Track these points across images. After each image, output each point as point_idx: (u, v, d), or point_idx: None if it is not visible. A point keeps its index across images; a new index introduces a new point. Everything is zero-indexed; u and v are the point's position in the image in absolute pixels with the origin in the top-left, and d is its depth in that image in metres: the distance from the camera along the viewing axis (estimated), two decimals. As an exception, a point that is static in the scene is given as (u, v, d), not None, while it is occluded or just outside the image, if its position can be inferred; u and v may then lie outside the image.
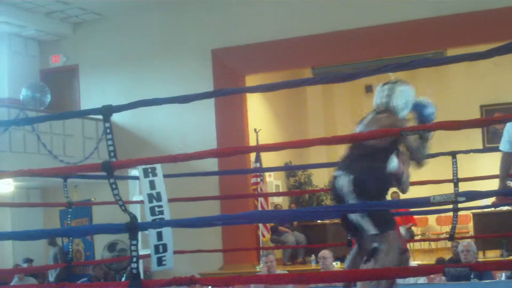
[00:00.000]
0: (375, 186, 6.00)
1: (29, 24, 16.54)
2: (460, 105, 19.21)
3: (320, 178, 18.94)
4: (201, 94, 5.00)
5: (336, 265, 12.10)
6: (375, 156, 6.01)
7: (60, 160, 14.75)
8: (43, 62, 17.74)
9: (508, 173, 7.25)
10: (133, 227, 4.96)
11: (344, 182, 5.98)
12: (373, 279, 7.19)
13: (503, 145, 7.16)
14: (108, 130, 5.11)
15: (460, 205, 7.56)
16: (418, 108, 6.30)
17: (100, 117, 5.18)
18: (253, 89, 5.63)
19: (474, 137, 18.35)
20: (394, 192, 15.42)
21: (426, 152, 6.26)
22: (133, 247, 4.98)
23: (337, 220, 14.20)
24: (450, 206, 8.25)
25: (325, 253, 10.35)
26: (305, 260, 15.89)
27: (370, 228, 5.97)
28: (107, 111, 5.07)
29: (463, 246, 9.60)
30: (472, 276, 8.28)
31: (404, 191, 6.36)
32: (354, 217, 6.04)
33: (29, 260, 14.53)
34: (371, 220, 5.95)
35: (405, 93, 6.37)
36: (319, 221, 16.20)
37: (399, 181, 6.31)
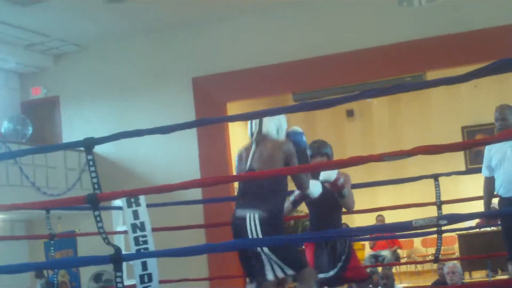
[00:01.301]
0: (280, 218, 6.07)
1: (10, 57, 16.51)
2: (441, 126, 19.32)
3: (303, 204, 18.92)
4: (183, 124, 5.02)
5: None
6: (275, 182, 5.98)
7: (43, 192, 14.70)
8: (24, 95, 17.71)
9: (492, 197, 7.34)
10: (117, 259, 4.96)
11: (252, 221, 5.93)
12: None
13: (484, 171, 7.39)
14: (91, 163, 5.10)
15: (444, 227, 7.62)
16: (289, 135, 6.34)
17: (83, 148, 5.18)
18: (234, 118, 5.67)
19: (457, 159, 18.42)
20: (379, 215, 15.60)
21: (307, 180, 6.22)
22: (118, 279, 4.98)
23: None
24: (435, 229, 8.30)
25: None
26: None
27: (285, 270, 5.94)
28: (89, 144, 5.08)
29: (449, 267, 9.62)
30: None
31: (349, 207, 6.42)
32: (264, 260, 5.95)
33: (14, 294, 14.45)
34: (284, 262, 5.91)
35: (274, 119, 6.26)
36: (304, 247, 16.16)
37: (341, 195, 6.38)
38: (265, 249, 5.83)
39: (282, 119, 6.33)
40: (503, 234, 7.35)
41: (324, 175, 6.30)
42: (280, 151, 6.04)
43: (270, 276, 5.95)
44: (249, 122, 6.26)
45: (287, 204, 6.62)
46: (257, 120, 6.17)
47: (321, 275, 6.69)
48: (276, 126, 6.23)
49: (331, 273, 6.78)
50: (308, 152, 6.45)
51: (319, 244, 6.71)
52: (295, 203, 6.86)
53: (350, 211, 6.61)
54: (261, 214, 5.85)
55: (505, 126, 7.04)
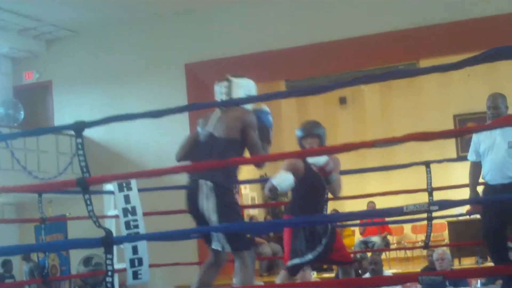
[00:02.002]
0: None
1: (2, 41, 16.48)
2: (433, 114, 19.36)
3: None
4: (173, 109, 5.01)
5: (313, 275, 12.13)
6: (231, 150, 5.98)
7: (34, 176, 14.69)
8: (16, 79, 17.68)
9: (477, 182, 7.37)
10: (108, 242, 4.97)
11: (204, 189, 5.98)
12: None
13: (470, 155, 7.45)
14: (80, 146, 5.10)
15: (434, 214, 7.66)
16: (256, 113, 6.32)
17: (73, 132, 5.18)
18: (225, 103, 5.66)
19: (448, 146, 18.47)
20: (370, 201, 15.64)
21: (266, 153, 6.29)
22: (108, 261, 4.99)
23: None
24: (425, 215, 8.33)
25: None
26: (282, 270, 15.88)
27: (224, 245, 6.02)
28: (79, 127, 5.07)
29: (438, 254, 9.65)
30: (447, 284, 8.34)
31: (335, 193, 6.38)
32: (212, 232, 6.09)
33: (3, 277, 14.45)
34: (226, 238, 5.97)
35: (243, 86, 6.37)
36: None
37: (328, 180, 6.34)
38: (213, 218, 5.90)
39: (252, 87, 6.38)
40: (484, 224, 7.37)
41: (313, 158, 6.30)
42: (240, 120, 6.07)
43: (214, 245, 6.07)
44: (216, 89, 6.30)
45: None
46: (226, 88, 6.18)
47: (296, 260, 6.72)
48: (244, 94, 6.27)
49: (310, 256, 6.80)
50: (271, 133, 6.46)
51: (296, 228, 6.70)
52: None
53: (336, 196, 6.57)
54: (215, 183, 5.90)
55: (497, 114, 7.08)
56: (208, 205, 5.89)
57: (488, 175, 7.19)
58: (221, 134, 6.03)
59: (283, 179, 6.26)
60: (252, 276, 6.09)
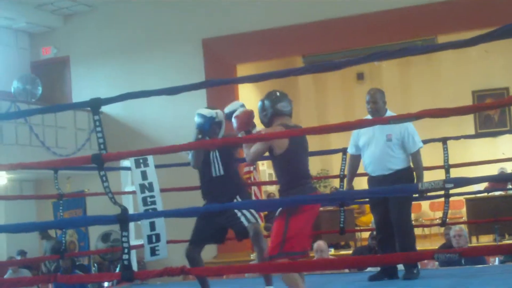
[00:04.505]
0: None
1: (19, 16, 16.50)
2: (452, 90, 19.30)
3: (313, 166, 18.95)
4: (189, 86, 5.00)
5: (330, 252, 12.15)
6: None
7: (52, 152, 14.75)
8: (34, 54, 17.72)
9: (354, 174, 7.63)
10: (123, 219, 4.97)
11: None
12: (368, 265, 7.26)
13: (350, 148, 7.63)
14: (97, 123, 5.09)
15: (452, 191, 7.63)
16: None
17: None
18: (242, 80, 5.67)
19: (466, 123, 18.39)
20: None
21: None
22: (124, 239, 4.98)
23: (330, 208, 14.28)
24: (442, 192, 8.30)
25: (321, 245, 10.16)
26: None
27: (256, 218, 6.60)
28: (95, 104, 5.06)
29: (455, 231, 9.63)
30: (464, 262, 8.32)
31: (246, 156, 6.23)
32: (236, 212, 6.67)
33: (23, 253, 14.52)
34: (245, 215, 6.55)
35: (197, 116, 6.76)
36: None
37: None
38: None
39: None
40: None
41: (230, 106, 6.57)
42: None
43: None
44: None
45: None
46: None
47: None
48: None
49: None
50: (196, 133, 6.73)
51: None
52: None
53: (248, 161, 6.39)
54: None
55: (376, 109, 7.25)
56: None
57: (370, 167, 7.35)
58: None
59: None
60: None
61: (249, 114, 6.10)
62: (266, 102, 6.05)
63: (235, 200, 6.77)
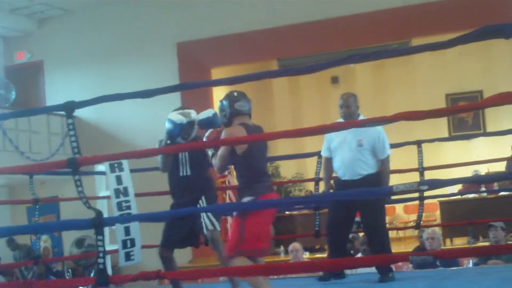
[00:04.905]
0: None
1: (-6, 21, 16.42)
2: (426, 93, 19.40)
3: (288, 170, 19.03)
4: (164, 89, 5.00)
5: (305, 256, 12.17)
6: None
7: (26, 156, 14.66)
8: (8, 59, 17.61)
9: (331, 177, 7.70)
10: (98, 223, 4.95)
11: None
12: (344, 268, 7.26)
13: (323, 151, 7.74)
14: (71, 126, 5.07)
15: (426, 193, 7.67)
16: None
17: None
18: (217, 83, 5.64)
19: (440, 126, 18.48)
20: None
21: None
22: (99, 243, 4.97)
23: (305, 211, 14.30)
24: (416, 195, 8.34)
25: (296, 246, 10.46)
26: (274, 252, 15.93)
27: (215, 225, 6.73)
28: (69, 107, 5.05)
29: (428, 234, 9.68)
30: (438, 264, 8.36)
31: (216, 168, 6.30)
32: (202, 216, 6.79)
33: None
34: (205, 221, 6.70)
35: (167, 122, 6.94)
36: (287, 212, 16.24)
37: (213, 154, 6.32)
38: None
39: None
40: (329, 216, 7.59)
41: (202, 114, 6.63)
42: None
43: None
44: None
45: None
46: None
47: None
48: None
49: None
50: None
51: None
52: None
53: (216, 170, 6.47)
54: None
55: (349, 113, 7.34)
56: None
57: (340, 170, 7.44)
58: None
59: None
60: None
61: (217, 133, 6.32)
62: (225, 102, 6.19)
63: (200, 202, 6.80)
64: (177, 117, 6.77)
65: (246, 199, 5.99)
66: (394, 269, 7.42)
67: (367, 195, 6.24)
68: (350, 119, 7.24)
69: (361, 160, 7.26)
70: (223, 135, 6.05)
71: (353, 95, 7.55)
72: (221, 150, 6.05)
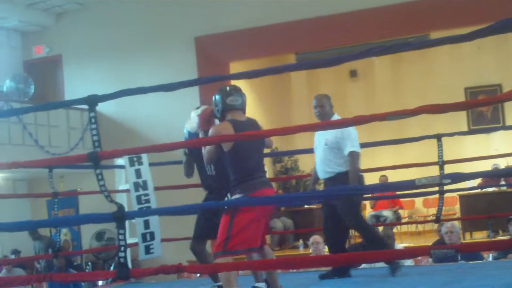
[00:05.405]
0: None
1: (11, 15, 16.45)
2: (444, 87, 19.31)
3: (307, 163, 19.01)
4: (184, 82, 5.00)
5: (325, 249, 12.15)
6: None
7: (45, 150, 14.71)
8: (26, 53, 17.67)
9: (316, 175, 7.76)
10: (120, 216, 4.96)
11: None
12: (362, 262, 7.25)
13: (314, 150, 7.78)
14: (93, 120, 5.09)
15: (446, 187, 7.65)
16: None
17: (85, 107, 5.16)
18: (236, 76, 5.64)
19: (459, 119, 18.41)
20: (383, 175, 15.62)
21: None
22: (120, 236, 4.98)
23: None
24: (436, 189, 8.31)
25: (317, 238, 10.46)
26: (293, 245, 15.95)
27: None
28: (92, 101, 5.06)
29: (447, 227, 9.65)
30: (459, 258, 8.33)
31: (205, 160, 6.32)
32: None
33: (16, 252, 14.51)
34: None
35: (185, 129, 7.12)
36: (306, 206, 16.24)
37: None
38: None
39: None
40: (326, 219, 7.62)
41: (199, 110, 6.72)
42: None
43: None
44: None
45: None
46: None
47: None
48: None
49: None
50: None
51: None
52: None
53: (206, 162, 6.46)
54: None
55: (323, 113, 7.43)
56: None
57: (317, 169, 7.60)
58: None
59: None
60: None
61: (209, 113, 6.28)
62: (217, 97, 6.19)
63: (226, 198, 6.79)
64: (192, 125, 6.84)
65: (235, 196, 5.99)
66: (414, 263, 7.43)
67: (387, 189, 6.24)
68: (324, 118, 7.36)
69: (328, 158, 7.37)
70: (210, 132, 6.04)
71: (326, 96, 7.66)
72: (208, 146, 6.10)
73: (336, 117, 7.40)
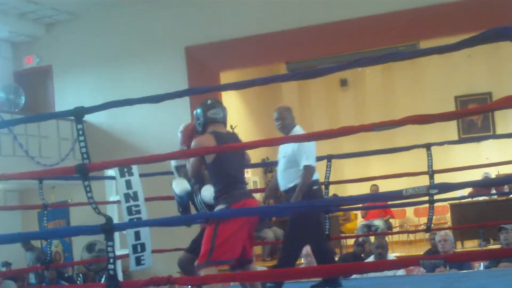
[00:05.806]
0: None
1: (2, 26, 16.40)
2: (435, 96, 19.37)
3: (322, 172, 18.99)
4: (173, 93, 5.00)
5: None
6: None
7: (36, 161, 14.68)
8: (17, 64, 17.62)
9: (274, 186, 7.86)
10: (108, 228, 4.95)
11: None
12: (353, 273, 7.24)
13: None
14: (80, 132, 5.08)
15: (436, 197, 7.65)
16: None
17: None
18: (226, 87, 5.65)
19: (449, 128, 18.44)
20: (373, 185, 15.63)
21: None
22: (109, 248, 4.97)
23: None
24: (427, 198, 8.32)
25: (309, 250, 10.32)
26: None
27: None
28: (79, 113, 5.05)
29: (440, 236, 9.66)
30: (450, 266, 8.34)
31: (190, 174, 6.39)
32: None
33: (7, 264, 14.46)
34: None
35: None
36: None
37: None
38: None
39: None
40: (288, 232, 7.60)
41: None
42: None
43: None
44: None
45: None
46: None
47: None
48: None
49: None
50: None
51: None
52: None
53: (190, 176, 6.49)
54: None
55: (284, 125, 7.54)
56: None
57: (278, 180, 7.62)
58: None
59: (177, 183, 6.87)
60: None
61: (191, 128, 6.35)
62: (198, 110, 6.26)
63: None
64: (179, 188, 6.93)
65: (219, 207, 5.99)
66: (405, 272, 7.42)
67: (372, 200, 6.24)
68: (285, 130, 7.46)
69: (286, 171, 7.41)
70: (192, 145, 6.05)
71: (287, 108, 7.76)
72: (191, 159, 6.13)
73: (298, 128, 7.48)
